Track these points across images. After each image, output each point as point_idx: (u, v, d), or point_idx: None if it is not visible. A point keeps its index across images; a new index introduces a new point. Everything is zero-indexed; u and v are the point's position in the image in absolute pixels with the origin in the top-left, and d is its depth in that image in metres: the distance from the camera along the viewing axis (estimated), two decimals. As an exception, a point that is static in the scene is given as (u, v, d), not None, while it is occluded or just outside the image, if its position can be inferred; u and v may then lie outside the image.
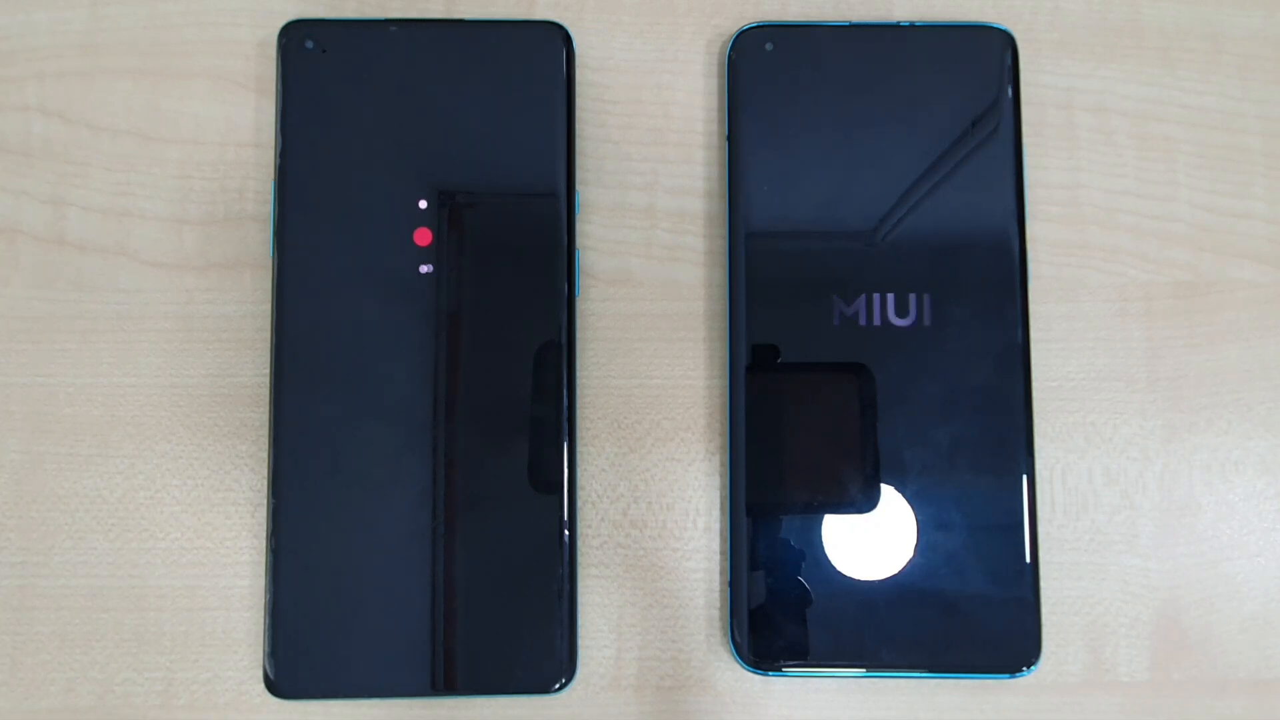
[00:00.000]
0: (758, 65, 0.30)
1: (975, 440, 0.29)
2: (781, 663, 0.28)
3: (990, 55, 0.30)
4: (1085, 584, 0.30)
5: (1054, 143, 0.31)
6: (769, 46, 0.30)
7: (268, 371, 0.29)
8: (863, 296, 0.29)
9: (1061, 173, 0.31)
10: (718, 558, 0.30)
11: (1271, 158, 0.32)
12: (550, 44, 0.30)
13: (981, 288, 0.29)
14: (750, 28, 0.31)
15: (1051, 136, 0.31)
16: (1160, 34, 0.32)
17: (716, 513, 0.30)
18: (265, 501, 0.29)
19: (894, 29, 0.31)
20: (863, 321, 0.29)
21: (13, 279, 0.30)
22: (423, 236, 0.29)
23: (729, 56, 0.31)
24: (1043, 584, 0.29)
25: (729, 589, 0.29)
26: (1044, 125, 0.31)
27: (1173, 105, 0.32)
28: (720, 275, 0.31)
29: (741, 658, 0.28)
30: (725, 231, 0.30)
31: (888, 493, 0.29)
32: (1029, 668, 0.28)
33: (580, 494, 0.30)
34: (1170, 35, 0.32)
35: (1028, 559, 0.28)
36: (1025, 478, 0.29)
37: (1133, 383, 0.30)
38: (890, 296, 0.29)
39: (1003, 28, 0.31)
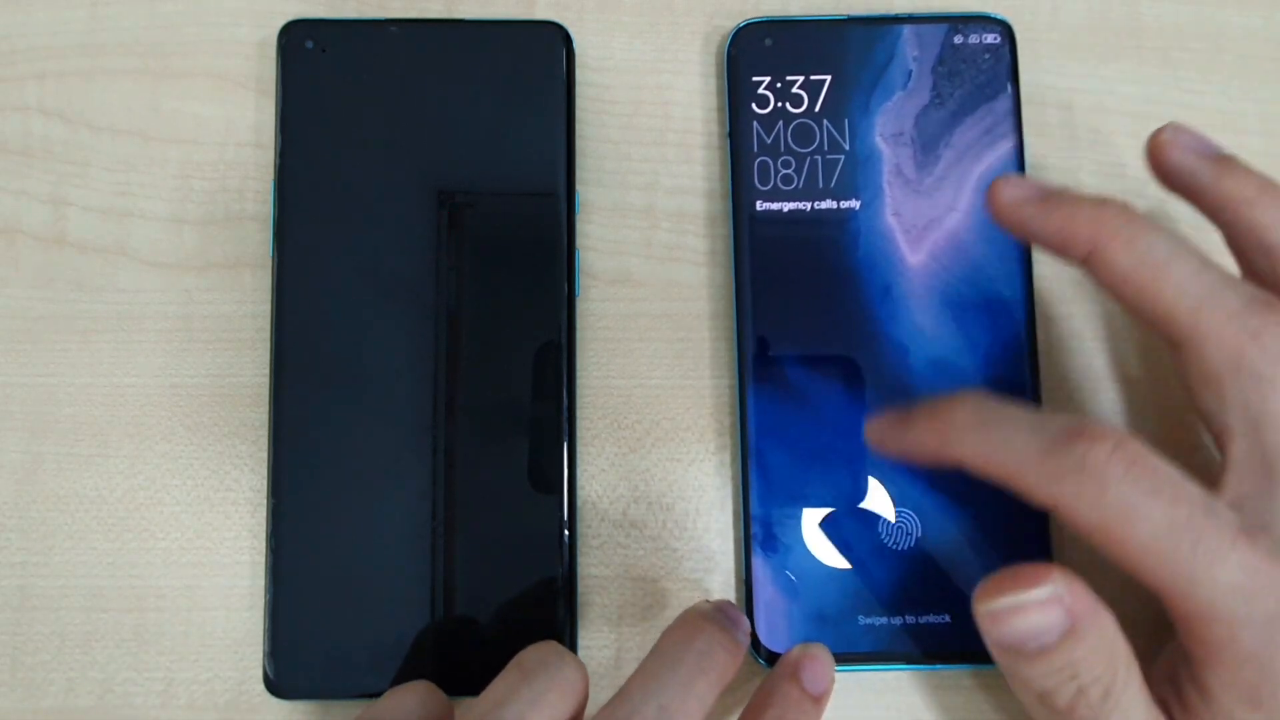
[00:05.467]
0: (756, 60, 0.30)
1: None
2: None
3: (994, 46, 0.30)
4: (1085, 584, 0.30)
5: (1054, 143, 0.31)
6: (768, 42, 0.30)
7: (268, 371, 0.29)
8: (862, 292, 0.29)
9: (1061, 173, 0.31)
10: (718, 558, 0.30)
11: (1271, 158, 0.31)
12: (550, 44, 0.30)
13: (984, 289, 0.30)
14: (749, 23, 0.31)
15: (1051, 136, 0.31)
16: (1160, 34, 0.32)
17: (716, 513, 0.30)
18: (265, 501, 0.29)
19: (888, 20, 0.31)
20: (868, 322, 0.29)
21: (13, 279, 0.30)
22: (422, 236, 0.29)
23: (728, 52, 0.31)
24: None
25: (744, 586, 0.29)
26: (1044, 125, 0.31)
27: (1173, 105, 0.32)
28: (720, 275, 0.31)
29: (759, 655, 0.28)
30: (730, 230, 0.30)
31: (890, 490, 0.29)
32: None
33: (580, 494, 0.30)
34: (1170, 35, 0.32)
35: (1038, 553, 0.29)
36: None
37: (1133, 383, 0.30)
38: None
39: (1001, 17, 0.31)
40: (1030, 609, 0.22)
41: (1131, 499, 0.21)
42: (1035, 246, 0.26)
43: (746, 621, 0.26)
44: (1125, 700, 0.22)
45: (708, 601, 0.26)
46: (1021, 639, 0.22)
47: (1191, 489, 0.21)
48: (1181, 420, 0.30)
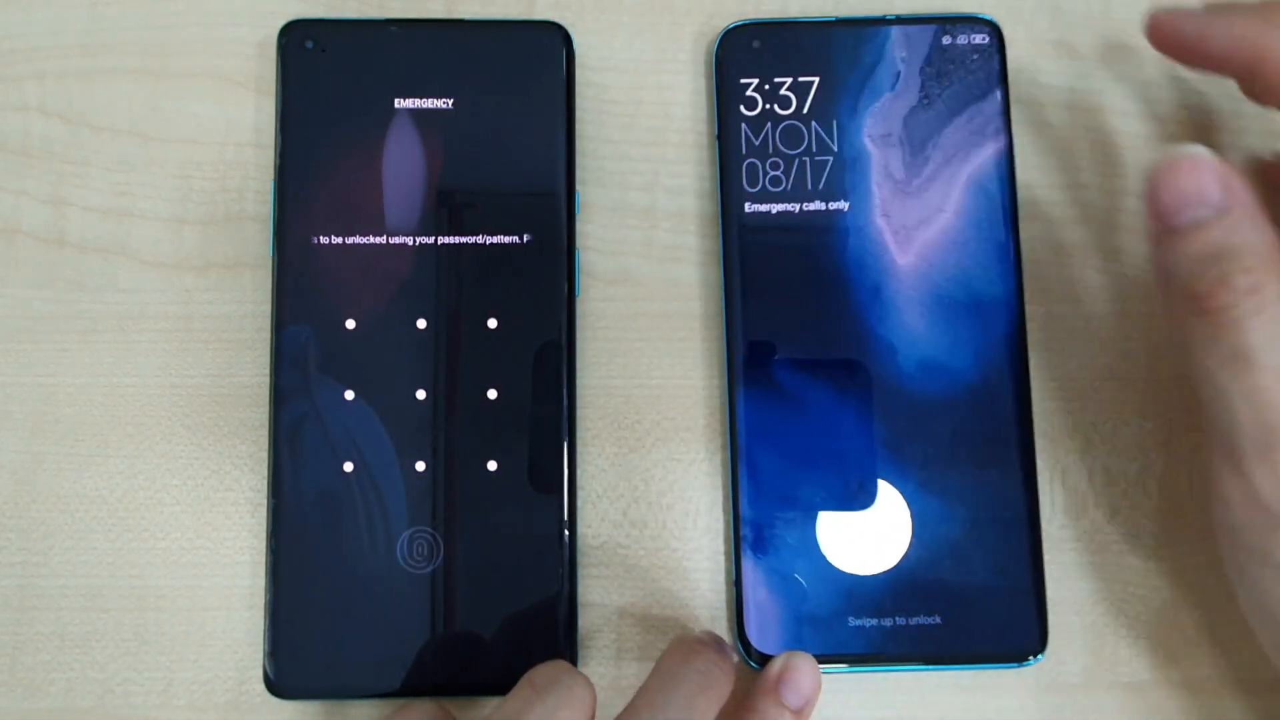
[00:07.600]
0: (745, 63, 0.30)
1: (974, 438, 0.29)
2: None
3: (982, 46, 0.30)
4: (1085, 584, 0.30)
5: (1054, 143, 0.31)
6: (756, 44, 0.30)
7: (268, 371, 0.29)
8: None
9: (1061, 173, 0.31)
10: (718, 558, 0.30)
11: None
12: (550, 44, 0.30)
13: (973, 290, 0.30)
14: (736, 25, 0.31)
15: (1051, 136, 0.31)
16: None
17: (717, 512, 0.30)
18: (265, 501, 0.29)
19: (876, 22, 0.31)
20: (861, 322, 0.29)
21: (13, 279, 0.30)
22: (422, 236, 0.29)
23: (716, 55, 0.31)
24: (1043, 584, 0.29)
25: (734, 588, 0.29)
26: (1044, 125, 0.31)
27: (1168, 104, 0.32)
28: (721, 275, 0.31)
29: (749, 656, 0.28)
30: (718, 231, 0.30)
31: (888, 489, 0.29)
32: (1035, 657, 0.28)
33: (580, 494, 0.30)
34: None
35: (1030, 553, 0.29)
36: (1023, 476, 0.29)
37: (1132, 383, 0.30)
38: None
39: (990, 18, 0.31)
40: (1189, 169, 0.22)
41: None
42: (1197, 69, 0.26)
43: (732, 651, 0.27)
44: (1271, 306, 0.22)
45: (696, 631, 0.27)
46: (1178, 203, 0.22)
47: None
48: (1172, 419, 0.30)
